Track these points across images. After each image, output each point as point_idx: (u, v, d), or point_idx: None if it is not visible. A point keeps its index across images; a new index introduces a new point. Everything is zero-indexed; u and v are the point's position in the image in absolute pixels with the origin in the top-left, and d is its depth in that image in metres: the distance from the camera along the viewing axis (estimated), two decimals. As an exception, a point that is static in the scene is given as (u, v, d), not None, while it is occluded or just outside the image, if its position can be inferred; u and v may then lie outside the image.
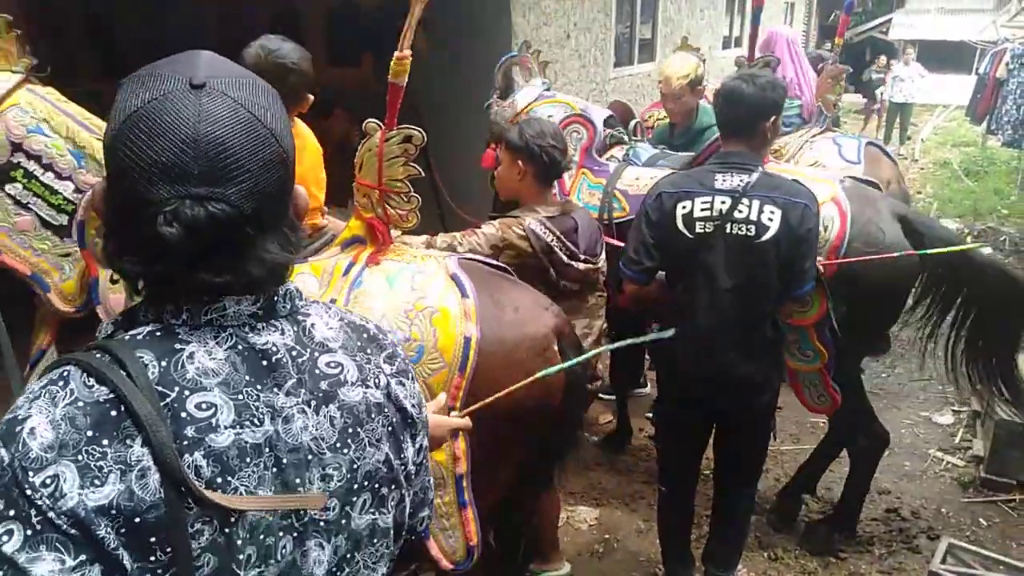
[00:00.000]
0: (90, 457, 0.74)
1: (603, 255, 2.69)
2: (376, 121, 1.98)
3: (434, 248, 2.36)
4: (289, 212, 0.90)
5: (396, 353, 1.03)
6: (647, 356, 4.22)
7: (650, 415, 3.90)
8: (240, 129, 0.80)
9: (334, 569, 0.90)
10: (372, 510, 0.94)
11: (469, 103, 5.18)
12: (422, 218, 2.09)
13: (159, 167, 0.77)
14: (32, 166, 2.17)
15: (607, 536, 3.29)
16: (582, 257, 2.56)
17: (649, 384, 4.47)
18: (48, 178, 2.18)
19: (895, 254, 2.70)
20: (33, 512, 0.72)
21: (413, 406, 1.01)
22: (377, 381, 0.96)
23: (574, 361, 1.85)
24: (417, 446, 1.03)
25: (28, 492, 0.72)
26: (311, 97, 2.32)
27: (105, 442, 0.75)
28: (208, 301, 0.84)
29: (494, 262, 2.23)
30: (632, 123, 3.91)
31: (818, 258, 2.56)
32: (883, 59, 13.36)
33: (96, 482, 0.74)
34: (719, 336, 2.43)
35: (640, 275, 2.52)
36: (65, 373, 0.79)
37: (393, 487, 0.97)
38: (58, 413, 0.75)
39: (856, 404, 3.00)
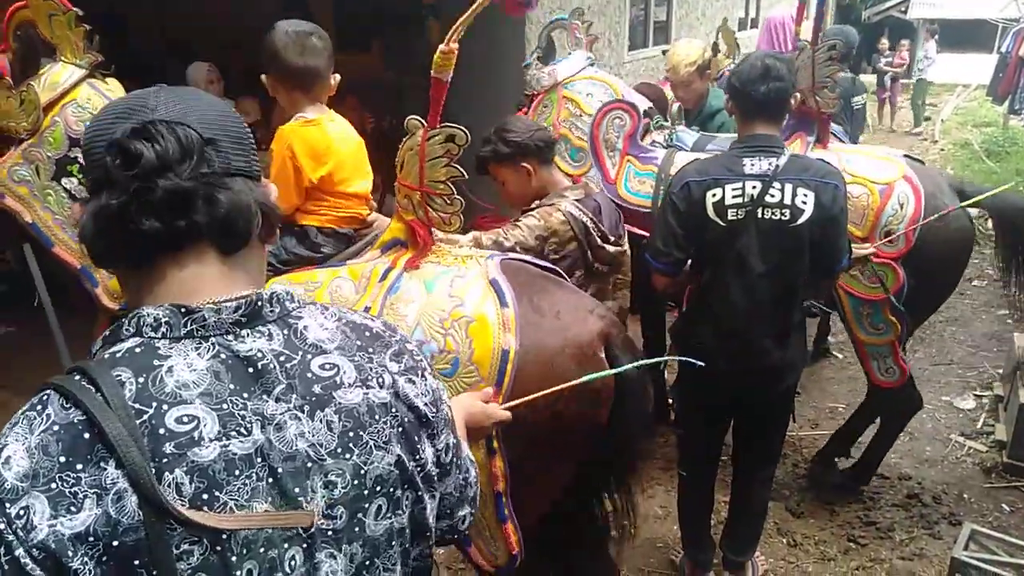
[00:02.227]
0: (64, 484, 0.73)
1: (625, 237, 2.67)
2: (418, 119, 1.89)
3: (480, 244, 2.33)
4: (253, 166, 0.91)
5: (404, 350, 0.99)
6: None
7: (672, 400, 3.89)
8: (196, 103, 0.88)
9: None
10: (388, 514, 0.91)
11: (485, 93, 5.14)
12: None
13: (122, 121, 0.84)
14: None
15: (624, 523, 3.27)
16: (611, 239, 2.54)
17: (666, 372, 4.43)
18: None
19: (939, 214, 2.81)
20: (2, 551, 0.71)
21: (427, 404, 0.97)
22: (381, 381, 0.92)
23: (620, 369, 1.74)
24: (441, 446, 1.00)
25: (3, 526, 0.71)
26: (338, 77, 2.29)
27: (79, 466, 0.73)
28: (185, 312, 0.82)
29: (540, 262, 2.12)
30: (675, 106, 3.82)
31: (898, 234, 2.79)
32: (884, 43, 12.76)
33: (72, 508, 0.72)
34: (752, 322, 2.41)
35: (670, 267, 2.48)
36: (44, 397, 0.78)
37: (407, 488, 0.93)
38: (33, 440, 0.74)
39: None
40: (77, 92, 2.20)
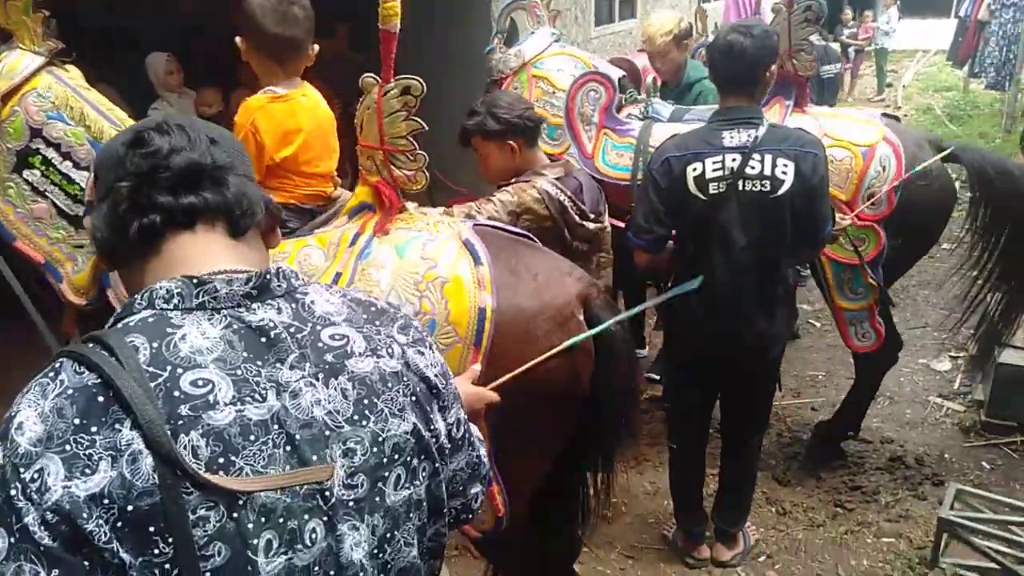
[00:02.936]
0: (78, 446, 0.72)
1: (606, 214, 2.65)
2: (372, 76, 1.84)
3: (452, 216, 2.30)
4: (252, 175, 0.97)
5: (410, 324, 1.00)
6: (650, 318, 4.21)
7: (654, 376, 3.91)
8: (199, 122, 0.96)
9: (375, 551, 0.86)
10: (407, 484, 0.90)
11: (448, 71, 5.07)
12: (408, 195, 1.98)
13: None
14: (51, 153, 2.10)
15: (614, 500, 3.28)
16: (591, 216, 2.52)
17: (648, 347, 4.45)
18: (66, 167, 2.11)
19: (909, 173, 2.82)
20: (14, 519, 0.70)
21: (437, 376, 0.98)
22: (391, 351, 0.93)
23: (598, 329, 1.74)
24: (452, 420, 1.00)
25: (14, 492, 0.70)
26: (316, 47, 2.23)
27: (94, 428, 0.73)
28: (197, 284, 0.83)
29: (514, 228, 2.11)
30: (649, 79, 3.76)
31: (880, 196, 2.81)
32: (847, 13, 12.70)
33: (87, 471, 0.71)
34: (737, 294, 2.41)
35: (652, 243, 2.48)
36: (57, 365, 0.78)
37: (424, 458, 0.93)
38: (47, 405, 0.74)
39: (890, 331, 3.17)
40: (37, 80, 2.11)
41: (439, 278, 1.76)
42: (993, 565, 2.56)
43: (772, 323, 2.49)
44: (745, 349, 2.49)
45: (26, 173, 2.13)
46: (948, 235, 5.84)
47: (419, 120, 1.85)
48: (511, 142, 2.48)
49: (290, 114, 2.16)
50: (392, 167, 1.90)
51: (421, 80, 1.81)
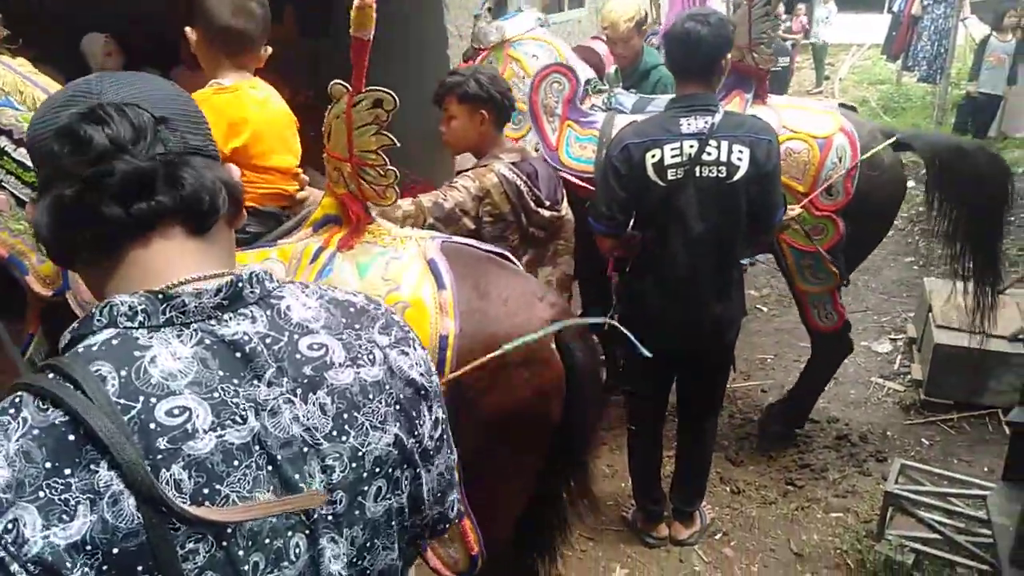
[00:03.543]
0: (53, 491, 0.66)
1: (565, 203, 2.66)
2: (343, 83, 1.73)
3: (422, 207, 2.27)
4: (210, 145, 0.88)
5: (392, 321, 0.95)
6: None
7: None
8: (143, 85, 0.85)
9: (354, 559, 0.84)
10: (388, 495, 0.87)
11: (406, 65, 5.01)
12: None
13: (72, 109, 0.80)
14: (3, 141, 1.98)
15: (584, 501, 3.32)
16: (547, 203, 2.52)
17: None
18: (20, 154, 1.98)
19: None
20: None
21: (422, 374, 0.94)
22: (372, 357, 0.88)
23: (530, 337, 1.64)
24: (433, 418, 0.96)
25: None
26: (269, 49, 2.14)
27: (67, 471, 0.67)
28: (163, 299, 0.77)
29: (486, 245, 2.00)
30: (612, 69, 3.76)
31: (836, 186, 2.90)
32: (779, 9, 13.00)
33: (64, 518, 0.66)
34: (694, 278, 2.46)
35: (614, 229, 2.51)
36: (17, 400, 0.71)
37: (406, 467, 0.90)
38: (11, 448, 0.67)
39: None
40: None
41: (400, 302, 1.67)
42: (935, 536, 2.68)
43: (728, 306, 2.56)
44: (703, 333, 2.55)
45: None
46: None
47: (390, 136, 1.74)
48: (483, 111, 2.48)
49: (236, 105, 2.06)
50: (361, 180, 1.80)
51: (393, 94, 1.70)
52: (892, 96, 11.26)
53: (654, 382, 2.76)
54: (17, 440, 0.68)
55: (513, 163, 2.48)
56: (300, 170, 2.25)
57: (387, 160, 1.76)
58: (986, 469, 3.30)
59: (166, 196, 0.80)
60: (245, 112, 2.06)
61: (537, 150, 3.09)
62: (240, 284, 0.82)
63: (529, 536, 2.11)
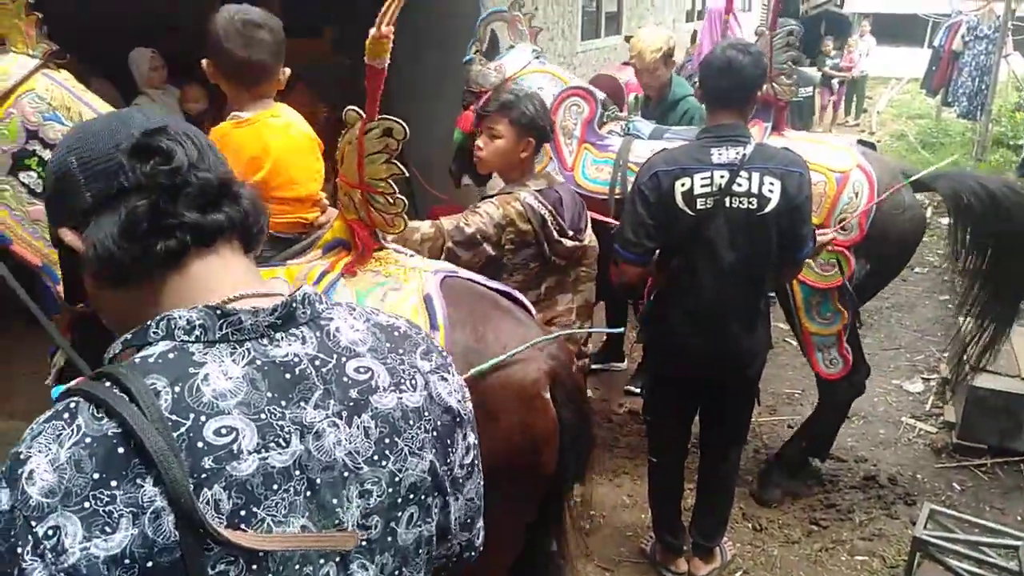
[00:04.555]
0: (98, 503, 0.67)
1: (589, 230, 2.65)
2: (356, 110, 1.76)
3: (442, 230, 2.26)
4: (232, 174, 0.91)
5: (432, 347, 0.96)
6: (631, 331, 4.22)
7: (633, 389, 3.92)
8: (174, 120, 0.89)
9: None
10: (419, 522, 0.88)
11: (435, 82, 5.06)
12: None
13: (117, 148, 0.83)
14: (47, 155, 2.06)
15: (592, 512, 3.27)
16: (570, 233, 2.51)
17: (627, 359, 4.46)
18: None
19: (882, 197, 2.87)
20: (16, 573, 0.65)
21: (459, 402, 0.95)
22: (413, 383, 0.90)
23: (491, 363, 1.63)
24: (466, 444, 0.97)
25: (21, 549, 0.66)
26: (287, 70, 2.15)
27: (114, 483, 0.68)
28: (221, 315, 0.79)
29: (494, 283, 1.98)
30: (631, 96, 3.78)
31: (851, 222, 2.84)
32: (828, 44, 12.25)
33: (107, 529, 0.67)
34: (721, 310, 2.43)
35: (640, 256, 2.49)
36: (72, 406, 0.72)
37: (437, 495, 0.91)
38: (63, 455, 0.68)
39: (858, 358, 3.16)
40: (34, 82, 2.08)
41: None
42: (965, 585, 2.59)
43: (754, 338, 2.52)
44: (728, 364, 2.52)
45: (22, 175, 2.10)
46: (920, 259, 6.02)
47: (399, 165, 1.76)
48: (531, 138, 2.48)
49: (255, 138, 2.06)
50: (370, 208, 1.82)
51: (403, 123, 1.73)
52: (931, 131, 11.12)
53: (676, 412, 2.73)
54: (69, 448, 0.69)
55: (539, 190, 2.47)
56: (322, 195, 2.25)
57: (396, 189, 1.78)
58: (1019, 518, 3.20)
59: (231, 210, 0.85)
60: (266, 145, 2.07)
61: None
62: (294, 305, 0.84)
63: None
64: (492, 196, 2.48)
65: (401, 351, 0.91)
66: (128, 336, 0.80)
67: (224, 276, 0.84)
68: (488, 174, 2.80)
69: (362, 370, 0.86)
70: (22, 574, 0.65)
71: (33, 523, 0.66)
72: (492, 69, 3.31)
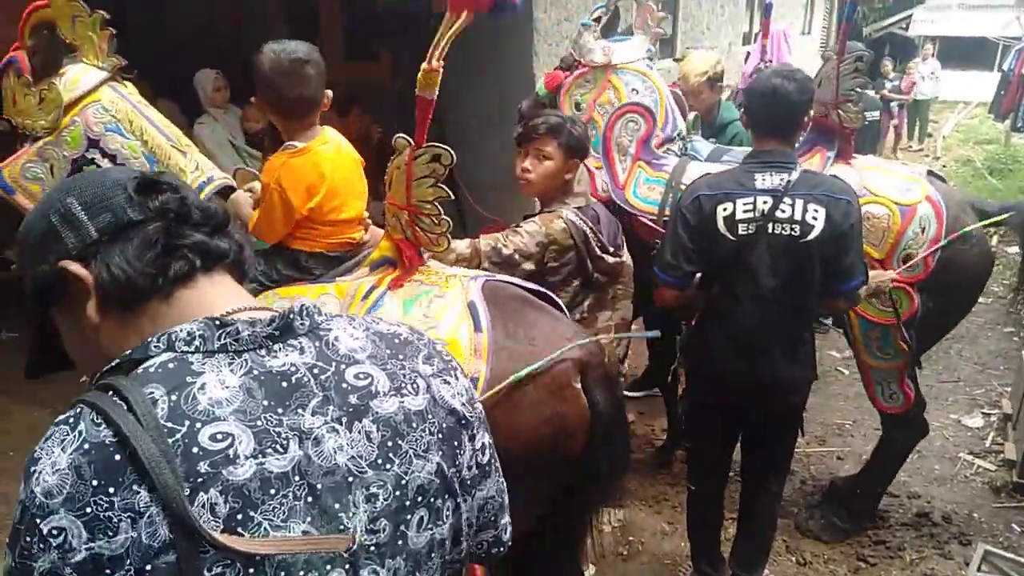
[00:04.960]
0: (98, 508, 0.71)
1: (624, 247, 2.67)
2: (406, 137, 1.87)
3: (478, 249, 2.31)
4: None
5: (435, 352, 0.99)
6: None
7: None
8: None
9: None
10: (430, 525, 0.89)
11: (488, 108, 5.12)
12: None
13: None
14: (106, 164, 2.17)
15: (631, 538, 3.24)
16: (611, 249, 2.55)
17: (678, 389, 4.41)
18: None
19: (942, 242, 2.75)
20: (48, 554, 0.71)
21: (464, 404, 0.97)
22: (415, 387, 0.91)
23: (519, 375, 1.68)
24: (479, 445, 0.98)
25: (33, 539, 0.71)
26: (330, 93, 2.21)
27: (111, 490, 0.72)
28: (220, 325, 0.83)
29: (528, 284, 2.06)
30: (692, 115, 3.67)
31: (917, 259, 2.72)
32: (887, 66, 11.99)
33: (108, 532, 0.71)
34: (762, 336, 2.39)
35: (679, 280, 2.47)
36: (77, 412, 0.77)
37: (447, 497, 0.91)
38: (64, 460, 0.73)
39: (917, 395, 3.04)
40: (100, 94, 2.19)
41: (438, 340, 1.70)
42: (1020, 632, 2.47)
43: (796, 367, 2.46)
44: (768, 392, 2.46)
45: None
46: (984, 290, 5.79)
47: (446, 188, 1.87)
48: (576, 160, 2.54)
49: (312, 166, 2.13)
50: (416, 228, 1.93)
51: (450, 150, 1.84)
52: (999, 157, 10.75)
53: (716, 438, 2.68)
54: (71, 454, 0.73)
55: (579, 208, 2.52)
56: (367, 214, 2.32)
57: (441, 211, 1.89)
58: (1084, 564, 3.03)
59: (226, 240, 0.92)
60: (320, 172, 2.13)
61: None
62: (291, 316, 0.87)
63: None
64: (534, 215, 2.52)
65: (402, 356, 0.93)
66: (129, 352, 0.83)
67: (225, 298, 0.89)
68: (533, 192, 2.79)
69: (362, 376, 0.87)
70: (34, 562, 0.71)
71: (38, 520, 0.71)
72: (600, 48, 3.15)
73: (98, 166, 2.17)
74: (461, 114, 5.57)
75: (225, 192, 2.39)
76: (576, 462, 1.80)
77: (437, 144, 1.84)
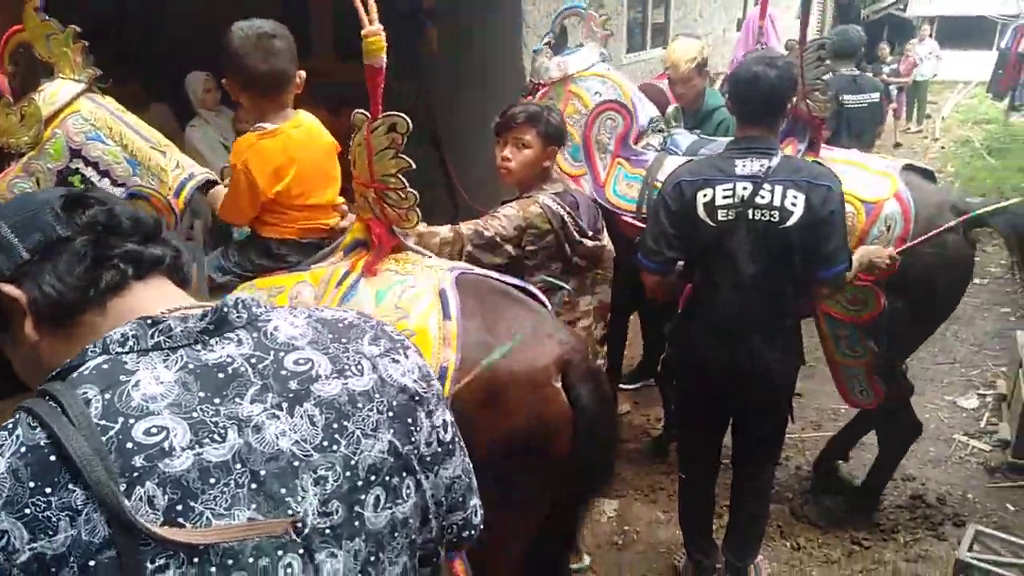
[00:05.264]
0: (37, 508, 0.73)
1: (605, 233, 2.70)
2: (363, 112, 1.82)
3: (460, 234, 2.32)
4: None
5: (382, 333, 0.99)
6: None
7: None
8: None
9: (359, 574, 0.86)
10: (388, 504, 0.89)
11: (480, 112, 5.12)
12: (436, 216, 1.96)
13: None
14: (89, 172, 2.20)
15: (627, 527, 3.27)
16: (589, 234, 2.58)
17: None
18: (104, 184, 2.20)
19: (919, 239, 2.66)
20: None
21: (415, 380, 0.97)
22: (360, 368, 0.92)
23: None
24: (439, 422, 0.98)
25: None
26: (303, 73, 2.19)
27: (48, 490, 0.73)
28: (152, 324, 0.84)
29: (508, 278, 2.03)
30: (670, 108, 3.70)
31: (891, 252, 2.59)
32: (884, 49, 11.76)
33: (49, 532, 0.72)
34: (742, 323, 2.41)
35: (661, 265, 2.49)
36: (16, 418, 0.79)
37: (405, 474, 0.92)
38: (2, 465, 0.75)
39: (895, 392, 2.99)
40: (79, 105, 2.22)
41: (407, 330, 1.70)
42: (1011, 610, 2.49)
43: (776, 353, 2.46)
44: (751, 379, 2.47)
45: None
46: (980, 270, 5.78)
47: (407, 158, 1.81)
48: (555, 147, 2.59)
49: (280, 149, 2.12)
50: (384, 205, 1.88)
51: (406, 117, 1.78)
52: (998, 136, 10.70)
53: (703, 426, 2.69)
54: (9, 458, 0.75)
55: (556, 193, 2.55)
56: (341, 200, 2.31)
57: (406, 183, 1.84)
58: (1078, 541, 3.04)
59: (159, 248, 0.94)
60: (289, 156, 2.13)
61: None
62: (226, 310, 0.88)
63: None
64: (511, 200, 2.55)
65: (345, 340, 0.94)
66: (68, 360, 0.84)
67: (160, 301, 0.90)
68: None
69: (301, 361, 0.88)
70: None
71: None
72: (554, 64, 3.23)
73: (83, 175, 2.19)
74: (454, 112, 5.59)
75: (207, 187, 2.42)
76: (565, 459, 1.79)
77: (392, 112, 1.79)
